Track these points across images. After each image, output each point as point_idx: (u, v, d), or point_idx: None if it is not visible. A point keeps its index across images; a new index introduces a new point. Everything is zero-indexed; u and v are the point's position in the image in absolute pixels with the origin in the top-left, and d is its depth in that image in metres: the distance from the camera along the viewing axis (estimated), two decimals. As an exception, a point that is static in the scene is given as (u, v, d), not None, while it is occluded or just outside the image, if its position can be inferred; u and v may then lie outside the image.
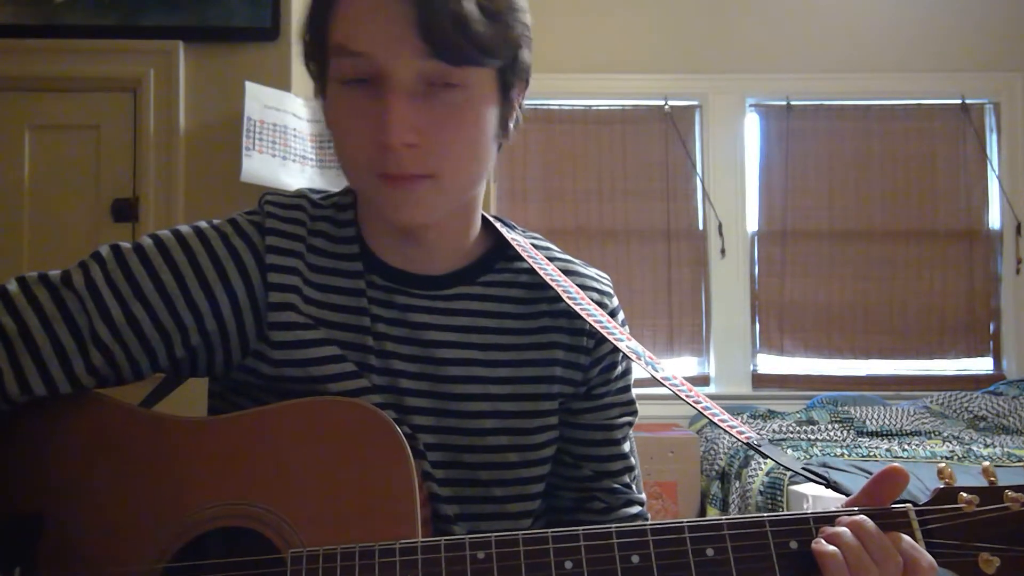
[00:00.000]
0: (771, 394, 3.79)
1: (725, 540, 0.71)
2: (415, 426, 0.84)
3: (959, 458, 2.60)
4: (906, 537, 0.69)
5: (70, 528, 0.77)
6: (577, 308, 0.88)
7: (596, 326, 0.88)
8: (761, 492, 2.54)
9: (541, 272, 0.89)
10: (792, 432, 3.06)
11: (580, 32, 3.81)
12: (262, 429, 0.79)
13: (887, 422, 3.12)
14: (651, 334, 3.85)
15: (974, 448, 2.73)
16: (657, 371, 0.89)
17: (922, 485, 1.99)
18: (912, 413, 3.25)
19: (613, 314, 0.93)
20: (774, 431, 3.09)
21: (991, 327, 3.93)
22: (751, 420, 3.35)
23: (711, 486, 3.04)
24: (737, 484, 2.79)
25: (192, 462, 0.79)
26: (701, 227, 3.93)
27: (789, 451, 2.74)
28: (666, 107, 3.90)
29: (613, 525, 0.72)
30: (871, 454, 2.69)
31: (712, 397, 0.92)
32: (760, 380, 3.88)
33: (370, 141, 0.76)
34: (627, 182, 3.92)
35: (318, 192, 0.91)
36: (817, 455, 2.68)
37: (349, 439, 0.77)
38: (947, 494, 0.71)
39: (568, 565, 0.70)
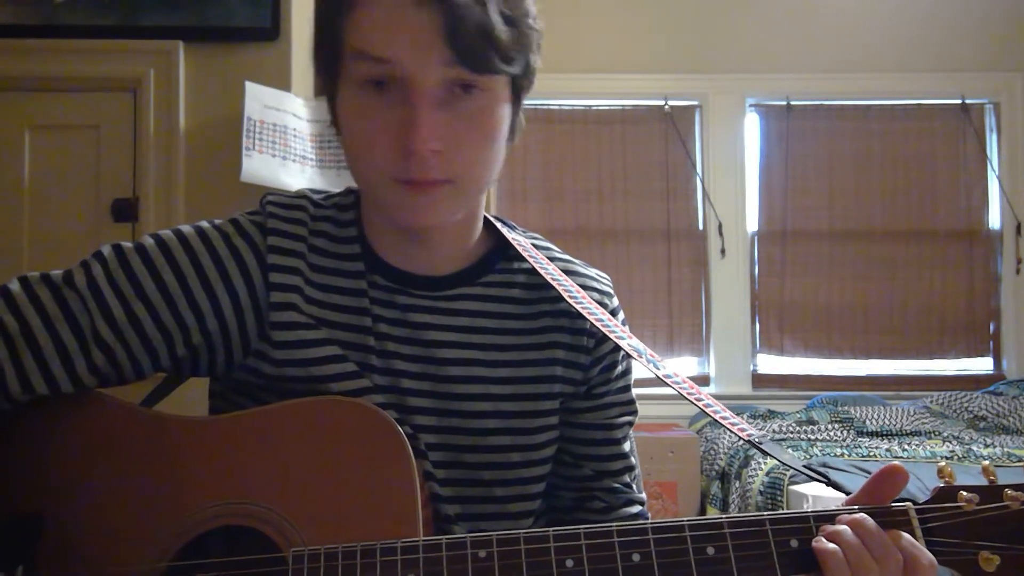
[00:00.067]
0: (771, 394, 3.79)
1: (726, 539, 0.71)
2: (416, 426, 0.85)
3: (959, 458, 2.60)
4: (906, 535, 0.69)
5: (71, 528, 0.77)
6: (578, 307, 0.88)
7: (598, 325, 0.88)
8: (761, 492, 2.54)
9: (542, 272, 0.90)
10: (792, 432, 3.06)
11: (580, 32, 3.81)
12: (263, 428, 0.79)
13: (887, 422, 3.12)
14: (651, 334, 3.84)
15: (974, 448, 2.73)
16: (659, 369, 0.89)
17: (922, 485, 1.99)
18: (912, 413, 3.25)
19: (614, 314, 0.93)
20: (774, 431, 3.09)
21: (991, 327, 3.93)
22: (751, 420, 3.35)
23: (711, 486, 3.04)
24: (737, 484, 2.79)
25: (193, 461, 0.79)
26: (701, 227, 3.93)
27: (789, 451, 2.74)
28: (666, 107, 3.90)
29: (614, 524, 0.72)
30: (871, 454, 2.69)
31: (712, 397, 0.92)
32: (760, 380, 3.88)
33: (390, 145, 0.76)
34: (627, 182, 3.92)
35: (319, 192, 0.92)
36: (817, 455, 2.68)
37: (350, 439, 0.77)
38: (947, 493, 0.71)
39: (569, 564, 0.71)
